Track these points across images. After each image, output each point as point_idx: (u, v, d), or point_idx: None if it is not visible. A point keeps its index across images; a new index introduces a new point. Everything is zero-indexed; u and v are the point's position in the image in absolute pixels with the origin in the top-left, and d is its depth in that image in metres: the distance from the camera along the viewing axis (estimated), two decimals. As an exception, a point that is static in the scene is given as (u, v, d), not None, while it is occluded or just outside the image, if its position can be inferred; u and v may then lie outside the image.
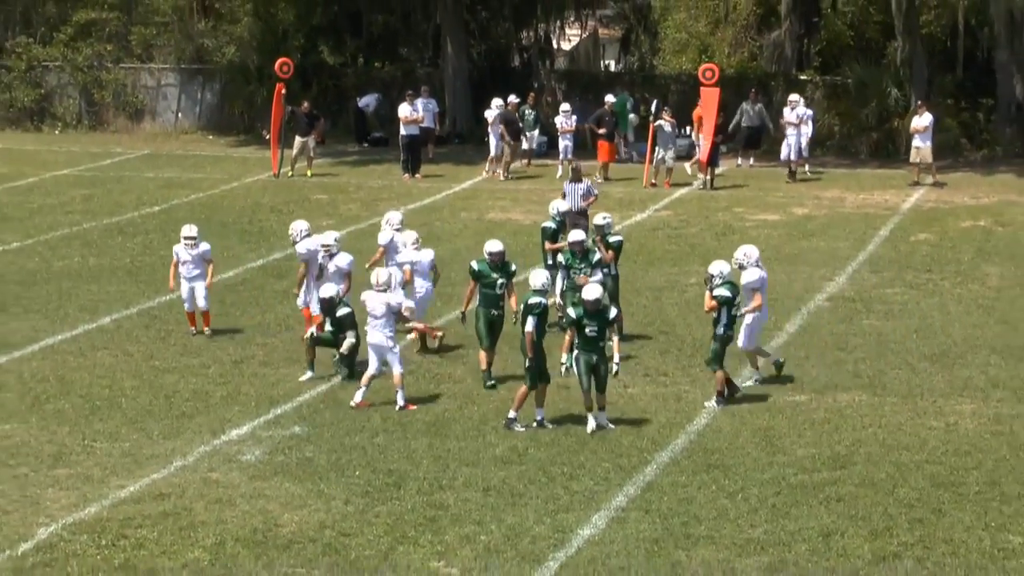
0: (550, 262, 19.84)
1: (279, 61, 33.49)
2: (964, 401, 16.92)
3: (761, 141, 34.28)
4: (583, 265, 18.51)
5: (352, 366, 17.76)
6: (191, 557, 12.65)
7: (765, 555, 12.61)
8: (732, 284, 16.73)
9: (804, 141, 32.24)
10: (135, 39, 41.17)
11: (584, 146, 33.89)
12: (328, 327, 17.81)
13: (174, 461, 15.07)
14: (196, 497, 14.00)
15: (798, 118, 31.92)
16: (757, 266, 17.35)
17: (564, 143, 32.53)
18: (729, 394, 16.83)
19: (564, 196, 23.02)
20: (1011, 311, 21.13)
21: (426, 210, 29.37)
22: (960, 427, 16.01)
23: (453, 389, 17.51)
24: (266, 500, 13.92)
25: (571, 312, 15.96)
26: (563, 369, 16.09)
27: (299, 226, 19.60)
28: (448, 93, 37.97)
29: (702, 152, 31.61)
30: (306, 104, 33.33)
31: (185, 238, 19.73)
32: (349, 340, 17.65)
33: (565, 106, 33.50)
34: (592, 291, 15.94)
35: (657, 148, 31.54)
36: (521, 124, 33.46)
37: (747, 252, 17.49)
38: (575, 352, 15.85)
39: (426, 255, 19.22)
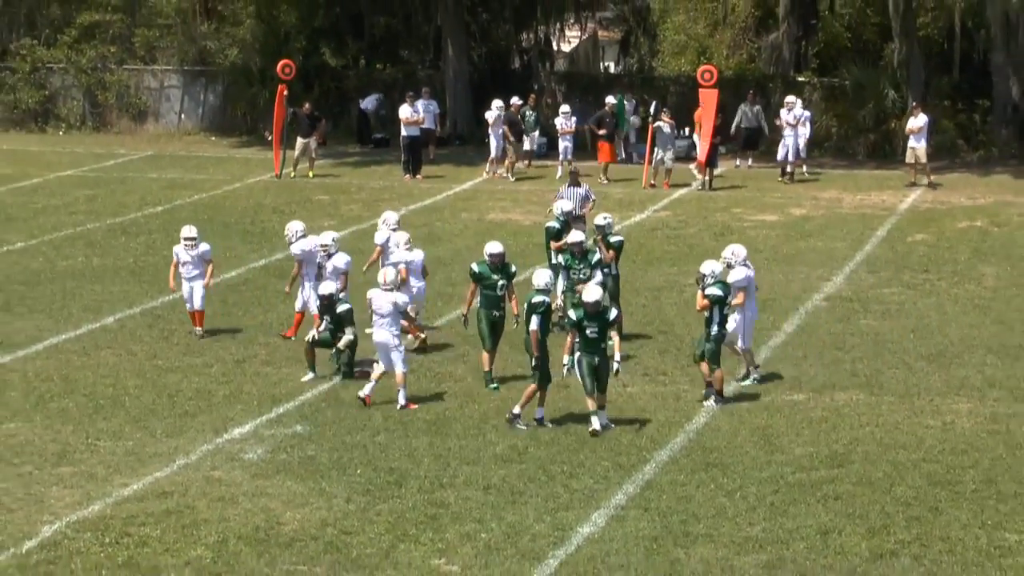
0: (554, 262, 19.90)
1: (281, 63, 33.59)
2: (961, 400, 16.97)
3: (759, 142, 34.40)
4: (582, 266, 18.57)
5: (351, 364, 17.85)
6: (194, 555, 12.68)
7: (763, 553, 12.64)
8: (724, 283, 16.82)
9: (802, 142, 32.32)
10: (138, 41, 41.26)
11: (584, 147, 33.99)
12: (326, 325, 17.84)
13: (177, 459, 15.11)
14: (199, 495, 14.04)
15: (795, 119, 32.01)
16: (745, 265, 17.48)
17: (564, 144, 32.60)
18: (705, 396, 16.88)
19: (558, 199, 23.13)
20: (1007, 311, 21.19)
21: (427, 211, 29.46)
22: (957, 426, 16.05)
23: (454, 388, 17.55)
24: (268, 498, 13.96)
25: (572, 314, 16.00)
26: (565, 370, 16.13)
27: (295, 226, 19.77)
28: (449, 95, 38.05)
29: (700, 153, 31.71)
30: (307, 105, 33.43)
31: (185, 239, 19.81)
32: (347, 337, 17.74)
33: (565, 107, 33.57)
34: (592, 293, 16.00)
35: (656, 149, 31.63)
36: (523, 126, 33.59)
37: (735, 251, 17.63)
38: (577, 354, 15.89)
39: (417, 255, 19.33)
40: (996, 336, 19.77)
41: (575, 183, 23.69)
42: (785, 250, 25.56)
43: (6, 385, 17.78)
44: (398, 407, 16.69)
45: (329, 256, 18.96)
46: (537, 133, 34.57)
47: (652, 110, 32.09)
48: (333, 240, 19.13)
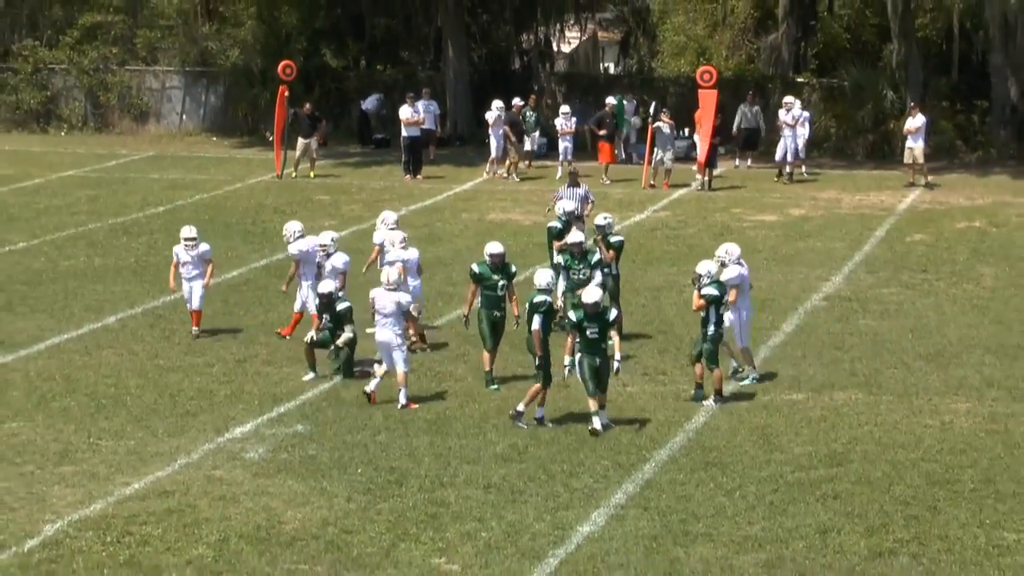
0: (555, 261, 19.94)
1: (282, 64, 33.66)
2: (959, 400, 17.01)
3: (758, 143, 34.47)
4: (582, 266, 18.59)
5: (351, 363, 17.89)
6: (195, 554, 12.70)
7: (763, 552, 12.67)
8: (720, 283, 16.88)
9: (801, 143, 32.39)
10: (140, 42, 41.34)
11: (584, 148, 34.05)
12: (326, 323, 17.86)
13: (178, 459, 15.14)
14: (200, 494, 14.07)
15: (793, 119, 32.08)
16: (738, 263, 17.57)
17: (564, 145, 32.65)
18: (695, 398, 16.93)
19: (558, 198, 23.16)
20: (1005, 311, 21.23)
21: (427, 211, 29.51)
22: (955, 426, 16.09)
23: (454, 387, 17.59)
24: (269, 497, 13.99)
25: (572, 316, 16.03)
26: (566, 371, 16.15)
27: (293, 227, 19.85)
28: (449, 95, 38.10)
29: (700, 154, 31.77)
30: (308, 106, 33.49)
31: (185, 239, 19.84)
32: (346, 335, 17.77)
33: (565, 108, 33.62)
34: (592, 294, 16.04)
35: (656, 149, 31.70)
36: (524, 126, 33.66)
37: (728, 250, 17.71)
38: (578, 355, 15.92)
39: (412, 253, 19.38)
40: (994, 336, 19.82)
41: (574, 183, 23.73)
42: (784, 250, 25.61)
43: (8, 384, 17.82)
44: (399, 406, 16.72)
45: (328, 256, 19.03)
46: (537, 134, 34.63)
47: (651, 111, 32.16)
48: (332, 240, 19.20)
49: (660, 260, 24.74)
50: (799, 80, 37.30)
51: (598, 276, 18.53)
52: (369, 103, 38.19)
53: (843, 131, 36.14)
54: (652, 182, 31.75)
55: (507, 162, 33.13)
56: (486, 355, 17.64)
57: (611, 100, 33.83)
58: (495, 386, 17.47)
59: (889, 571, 12.31)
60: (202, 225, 25.97)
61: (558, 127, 32.98)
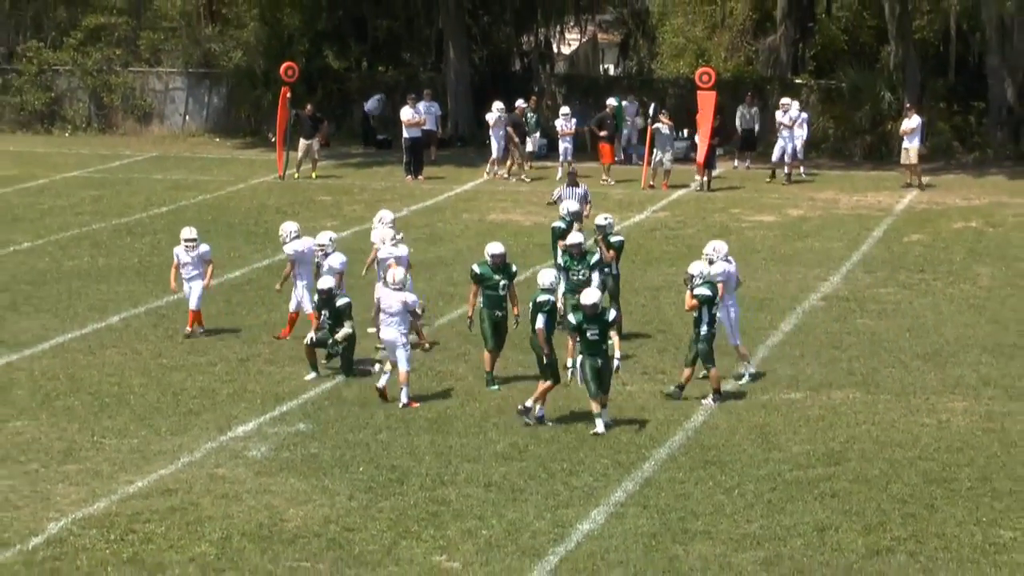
0: (558, 261, 19.99)
1: (284, 65, 33.74)
2: (956, 399, 17.07)
3: (757, 143, 34.58)
4: (580, 267, 18.65)
5: (351, 358, 17.97)
6: (198, 551, 12.75)
7: (761, 550, 12.71)
8: (712, 284, 16.95)
9: (799, 143, 32.48)
10: (143, 44, 41.43)
11: (584, 148, 34.14)
12: (325, 320, 17.88)
13: (181, 457, 15.19)
14: (203, 492, 14.12)
15: (791, 120, 32.17)
16: (726, 260, 17.68)
17: (564, 146, 32.72)
18: (674, 396, 16.95)
19: (559, 199, 23.28)
20: (1002, 310, 21.31)
21: (428, 211, 29.60)
22: (952, 424, 16.14)
23: (455, 386, 17.67)
24: (272, 495, 14.04)
25: (571, 319, 16.09)
26: (568, 373, 16.20)
27: (289, 227, 19.93)
28: (450, 97, 38.19)
29: (699, 155, 31.87)
30: (309, 107, 33.57)
31: (185, 240, 19.92)
32: (345, 330, 17.85)
33: (565, 109, 33.69)
34: (590, 296, 16.09)
35: (655, 150, 31.80)
36: (526, 128, 33.77)
37: (716, 247, 17.83)
38: (579, 356, 15.97)
39: (403, 250, 19.46)
40: (991, 335, 19.89)
41: (573, 183, 23.81)
42: (783, 250, 25.69)
43: (13, 383, 17.88)
44: (400, 405, 16.79)
45: (326, 255, 19.11)
46: (538, 135, 34.72)
47: (651, 112, 32.26)
48: (330, 240, 19.25)
49: (659, 260, 24.81)
50: (797, 81, 37.38)
51: (596, 277, 18.56)
52: (370, 104, 38.28)
53: (841, 132, 36.23)
54: (651, 183, 31.84)
55: (508, 163, 33.22)
56: (487, 355, 17.69)
57: (611, 101, 33.93)
58: (495, 386, 17.54)
59: (886, 569, 12.35)
60: (205, 225, 26.15)
61: (558, 128, 33.05)
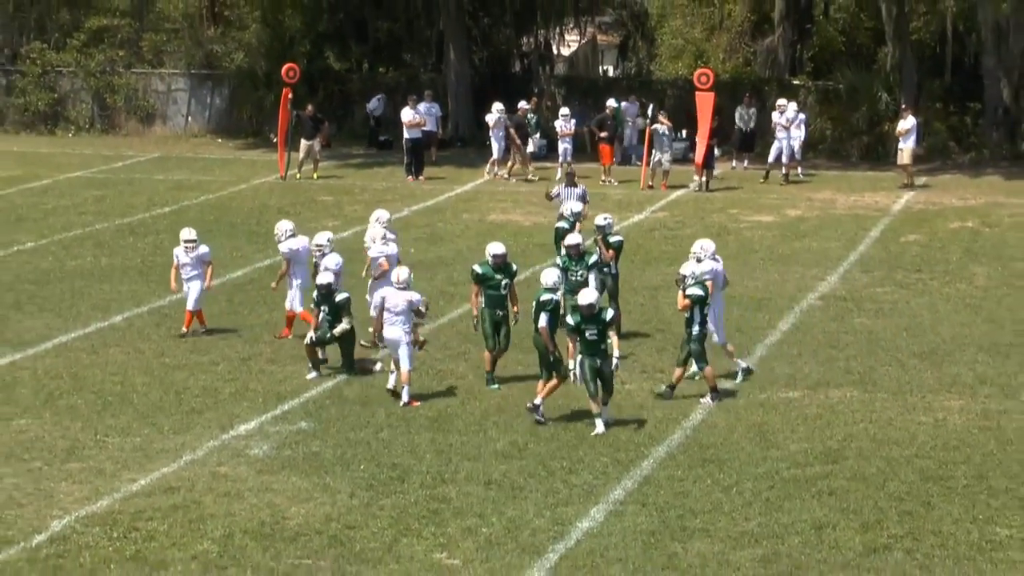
0: (557, 261, 20.05)
1: (285, 66, 33.81)
2: (952, 397, 17.12)
3: (755, 144, 34.68)
4: (579, 268, 18.70)
5: (352, 355, 18.01)
6: (200, 549, 12.78)
7: (759, 547, 12.74)
8: (704, 284, 17.03)
9: (796, 144, 32.57)
10: (146, 45, 41.51)
11: (583, 149, 34.23)
12: (324, 316, 17.91)
13: (184, 455, 15.22)
14: (205, 490, 14.16)
15: (788, 121, 32.26)
16: (713, 259, 17.76)
17: (563, 146, 32.78)
18: (664, 395, 16.99)
19: (554, 197, 23.38)
20: (998, 310, 21.35)
21: (429, 211, 29.67)
22: (949, 422, 16.18)
23: (456, 385, 17.74)
24: (273, 493, 14.08)
25: (569, 320, 16.12)
26: (570, 375, 16.26)
27: (284, 226, 19.97)
28: (451, 98, 38.27)
29: (697, 155, 31.96)
30: (310, 108, 33.65)
31: (184, 241, 19.96)
32: (343, 325, 17.89)
33: (564, 110, 33.76)
34: (586, 296, 16.14)
35: (654, 151, 31.90)
36: (528, 128, 33.87)
37: (703, 246, 17.91)
38: (579, 357, 16.04)
39: (392, 248, 19.51)
40: (987, 334, 19.94)
41: (572, 183, 23.89)
42: (781, 250, 25.75)
43: (16, 382, 17.93)
44: (401, 404, 16.84)
45: (323, 255, 19.14)
46: (538, 135, 34.81)
47: (650, 113, 32.35)
48: (328, 241, 19.20)
49: (658, 260, 24.85)
50: (795, 83, 37.45)
51: (593, 278, 18.59)
52: (371, 104, 38.39)
53: (838, 133, 36.32)
54: (650, 183, 31.93)
55: (509, 163, 33.30)
56: (487, 355, 17.74)
57: (611, 103, 34.02)
58: (495, 385, 17.62)
59: (883, 566, 12.37)
60: (207, 225, 26.27)
61: (558, 129, 33.12)
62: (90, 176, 34.07)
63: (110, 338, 19.99)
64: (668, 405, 16.87)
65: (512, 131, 32.97)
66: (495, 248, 18.11)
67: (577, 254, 18.76)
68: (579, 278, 18.51)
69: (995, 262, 24.62)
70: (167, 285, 20.70)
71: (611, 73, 46.17)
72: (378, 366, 18.30)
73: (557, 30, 42.43)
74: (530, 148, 33.86)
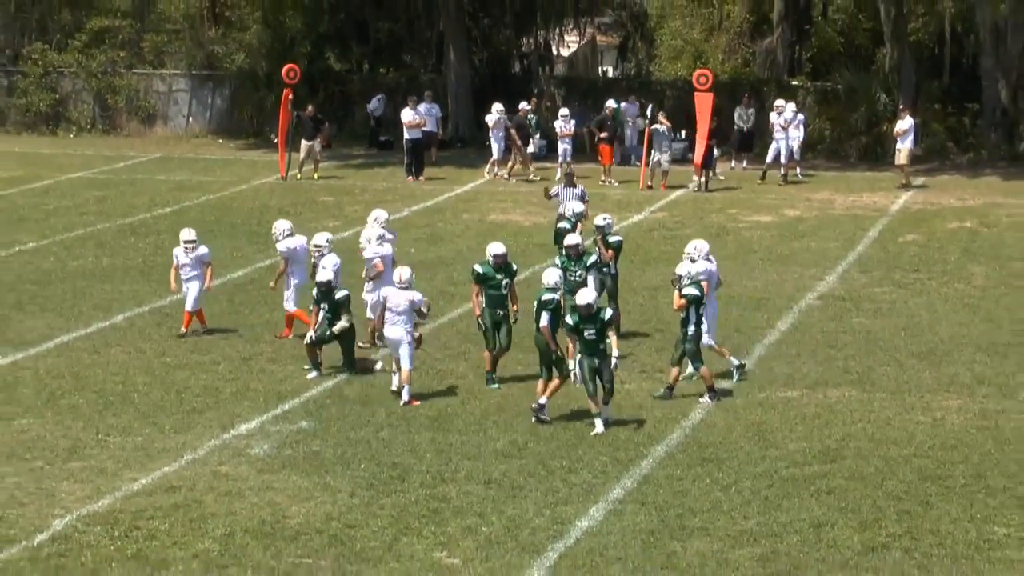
0: (556, 261, 20.08)
1: (286, 67, 33.85)
2: (951, 397, 17.15)
3: (754, 144, 34.75)
4: (577, 269, 18.74)
5: (352, 353, 18.05)
6: (201, 548, 12.81)
7: (758, 546, 12.77)
8: (699, 284, 17.08)
9: (795, 145, 32.62)
10: (147, 46, 41.56)
11: (583, 149, 34.29)
12: (324, 314, 17.93)
13: (185, 455, 15.26)
14: (206, 490, 14.19)
15: (786, 122, 32.31)
16: (707, 259, 17.83)
17: (563, 147, 32.82)
18: (667, 396, 17.06)
19: (553, 196, 23.42)
20: (996, 310, 21.40)
21: (429, 211, 29.72)
22: (947, 422, 16.22)
23: (456, 385, 17.79)
24: (274, 493, 14.12)
25: (568, 320, 16.17)
26: (571, 375, 16.34)
27: (281, 225, 20.03)
28: (451, 98, 38.31)
29: (696, 156, 32.02)
30: (310, 108, 33.69)
31: (184, 242, 19.99)
32: (342, 323, 17.93)
33: (564, 111, 33.80)
34: (584, 296, 16.19)
35: (653, 151, 31.96)
36: (529, 129, 33.92)
37: (697, 246, 17.99)
38: (578, 357, 16.09)
39: (388, 248, 19.55)
40: (985, 334, 19.98)
41: (571, 183, 23.94)
42: (779, 250, 25.79)
43: (18, 382, 17.96)
44: (401, 403, 16.89)
45: (321, 255, 19.19)
46: (538, 136, 34.86)
47: (649, 113, 32.40)
48: (327, 241, 19.22)
49: (657, 260, 24.86)
50: (794, 83, 37.50)
51: (591, 278, 18.64)
52: (371, 104, 38.44)
53: (837, 133, 36.37)
54: (649, 183, 31.99)
55: (509, 164, 33.35)
56: (487, 355, 17.78)
57: (611, 103, 34.08)
58: (495, 384, 17.68)
59: (882, 565, 12.40)
60: (208, 226, 26.32)
61: (557, 129, 33.17)
62: (91, 176, 34.11)
63: (111, 338, 20.03)
64: (667, 405, 16.91)
65: (513, 132, 33.02)
66: (495, 248, 18.14)
67: (576, 254, 18.79)
68: (578, 278, 18.52)
69: (993, 262, 24.66)
70: (168, 285, 20.73)
71: (611, 74, 46.21)
72: (378, 365, 18.35)
73: (557, 31, 42.47)
74: (530, 149, 33.90)
